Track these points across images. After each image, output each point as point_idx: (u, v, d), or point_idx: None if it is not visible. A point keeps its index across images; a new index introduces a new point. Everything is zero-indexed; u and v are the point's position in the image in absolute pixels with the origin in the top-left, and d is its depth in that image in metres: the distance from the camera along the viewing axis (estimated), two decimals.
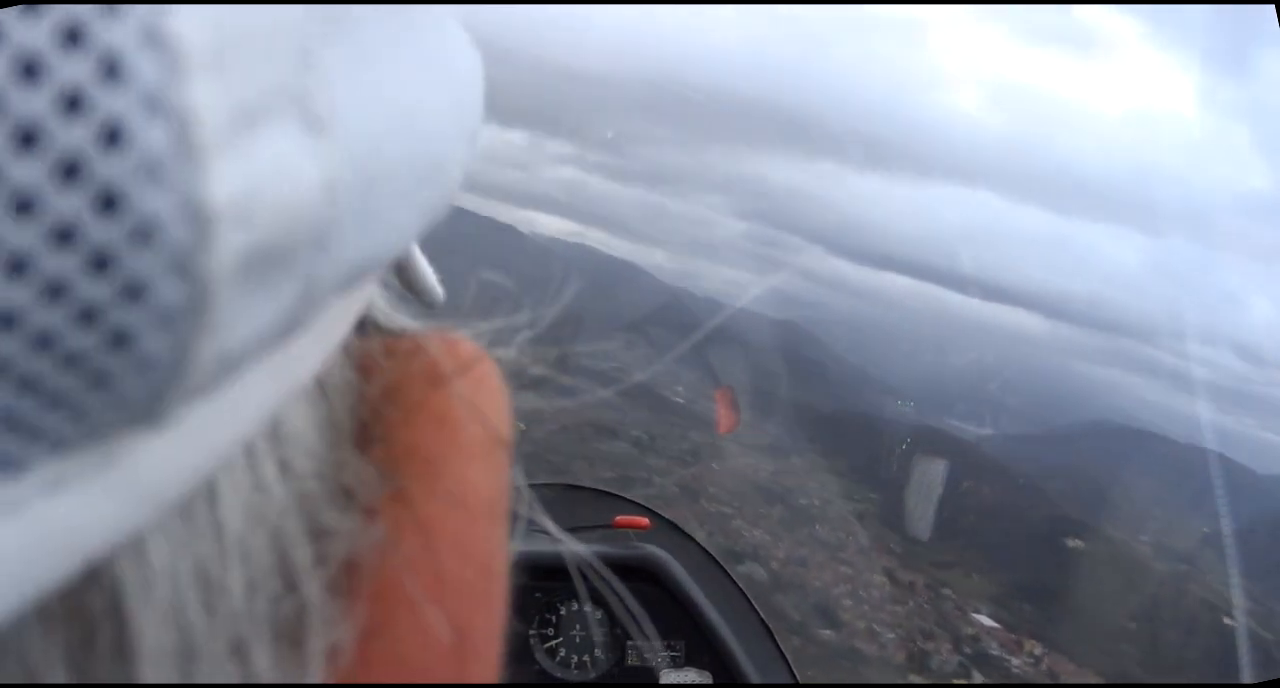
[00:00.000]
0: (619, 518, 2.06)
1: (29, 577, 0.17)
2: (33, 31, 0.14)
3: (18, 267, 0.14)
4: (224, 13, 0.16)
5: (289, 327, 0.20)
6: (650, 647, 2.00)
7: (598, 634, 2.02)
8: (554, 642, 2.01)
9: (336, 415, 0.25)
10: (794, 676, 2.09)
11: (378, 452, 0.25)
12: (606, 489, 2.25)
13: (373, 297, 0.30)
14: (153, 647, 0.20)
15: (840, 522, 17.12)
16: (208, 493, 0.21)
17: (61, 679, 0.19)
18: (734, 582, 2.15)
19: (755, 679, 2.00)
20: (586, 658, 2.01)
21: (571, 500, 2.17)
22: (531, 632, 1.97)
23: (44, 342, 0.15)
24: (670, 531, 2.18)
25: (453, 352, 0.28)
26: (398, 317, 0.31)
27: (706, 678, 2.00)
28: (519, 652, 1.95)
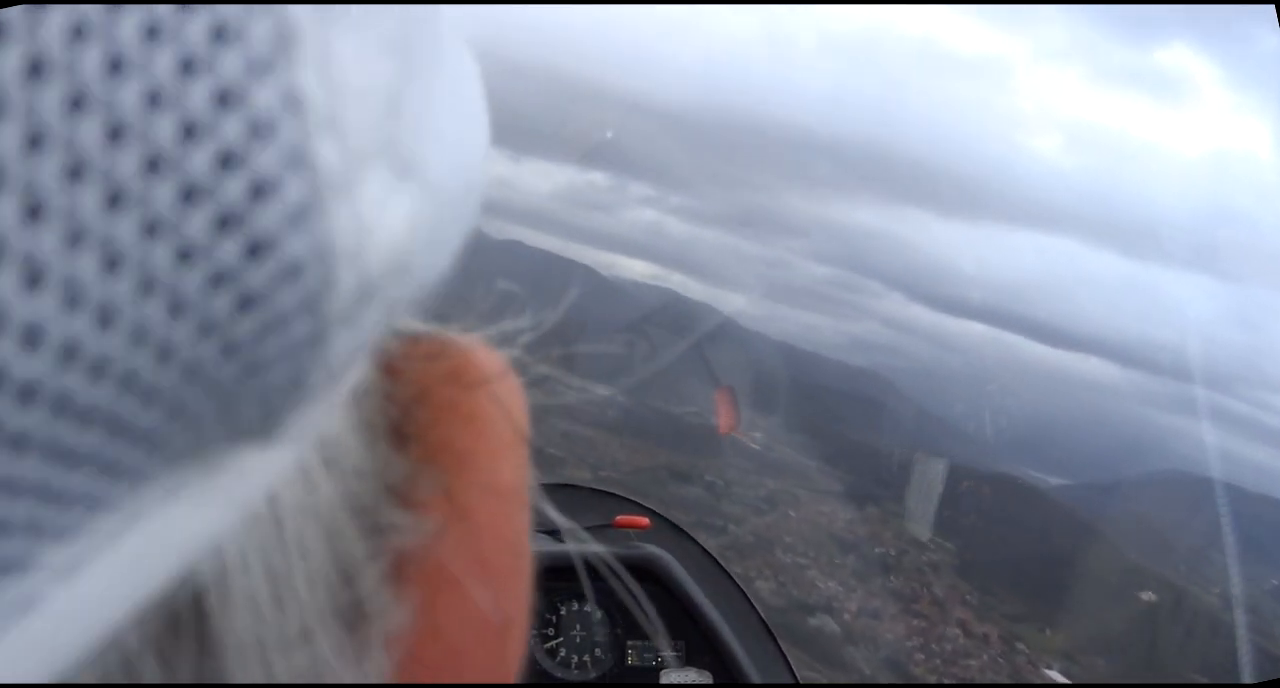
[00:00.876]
0: (619, 518, 2.08)
1: (146, 582, 0.19)
2: (195, 94, 0.15)
3: (177, 308, 0.16)
4: (335, 68, 0.17)
5: (371, 349, 0.22)
6: (660, 643, 2.01)
7: (598, 634, 2.02)
8: (554, 642, 2.02)
9: (369, 416, 0.26)
10: (794, 676, 2.09)
11: (414, 449, 0.26)
12: (606, 489, 2.26)
13: None
14: (232, 638, 0.21)
15: (915, 572, 16.74)
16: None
17: (152, 666, 0.20)
18: (734, 582, 2.15)
19: (756, 679, 2.00)
20: (587, 658, 2.02)
21: (571, 501, 2.19)
22: (531, 632, 1.96)
23: (192, 370, 0.17)
24: (671, 530, 2.19)
25: (475, 355, 0.29)
26: (409, 320, 0.31)
27: (707, 678, 2.01)
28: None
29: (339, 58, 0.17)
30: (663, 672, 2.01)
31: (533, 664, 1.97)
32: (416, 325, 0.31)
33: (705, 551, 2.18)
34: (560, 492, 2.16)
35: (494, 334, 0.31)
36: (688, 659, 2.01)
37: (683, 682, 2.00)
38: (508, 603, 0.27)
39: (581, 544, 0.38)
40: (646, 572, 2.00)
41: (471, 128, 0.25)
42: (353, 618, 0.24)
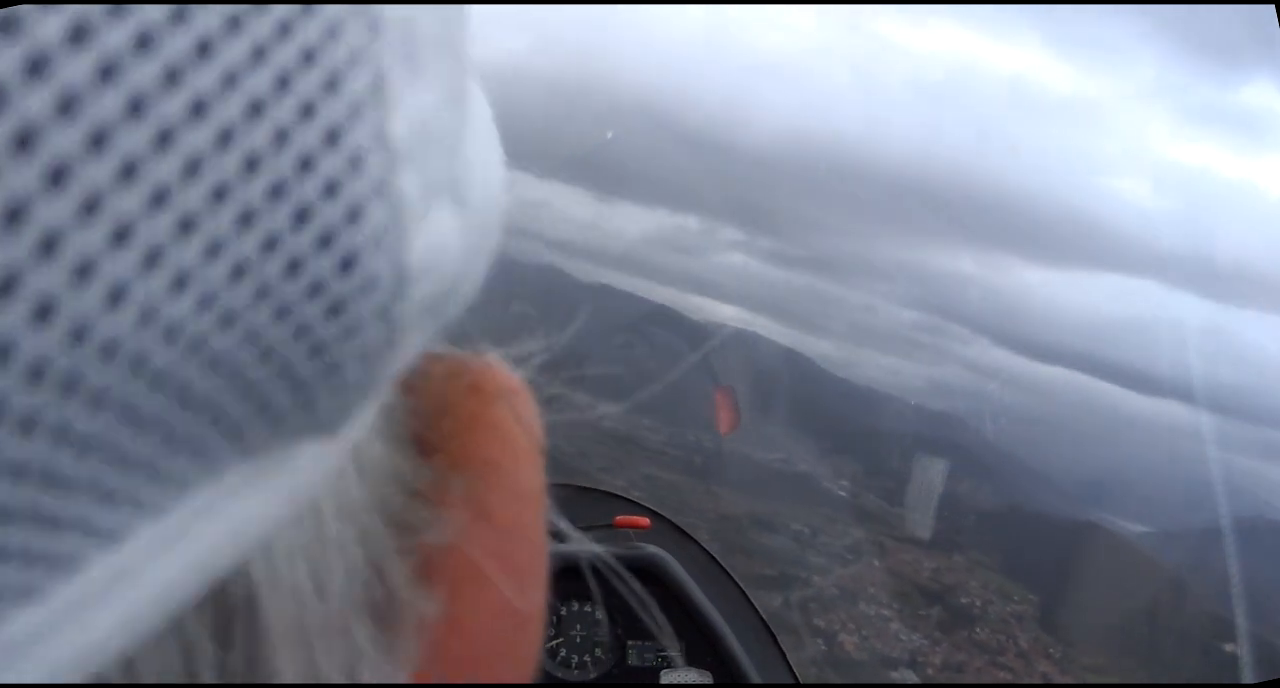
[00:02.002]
0: (619, 518, 2.08)
1: (209, 570, 0.21)
2: (310, 133, 0.18)
3: (282, 312, 0.19)
4: (417, 111, 0.20)
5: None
6: (666, 643, 2.00)
7: (599, 634, 2.02)
8: (554, 642, 2.02)
9: (393, 427, 0.28)
10: (794, 676, 2.08)
11: (440, 458, 0.28)
12: (606, 489, 2.26)
13: None
14: (280, 626, 0.23)
15: (1000, 624, 16.28)
16: None
17: (209, 653, 0.22)
18: (735, 582, 2.14)
19: (756, 680, 1.99)
20: (587, 658, 2.02)
21: (571, 500, 2.18)
22: None
23: (286, 367, 0.20)
24: (671, 530, 2.18)
25: (492, 371, 0.31)
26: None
27: (707, 678, 2.00)
28: None
29: (419, 104, 0.21)
30: (663, 672, 2.00)
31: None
32: (434, 345, 0.32)
33: (706, 551, 2.17)
34: (560, 491, 2.13)
35: (509, 354, 0.33)
36: (688, 660, 2.01)
37: (683, 682, 1.99)
38: (529, 599, 0.29)
39: (583, 545, 0.40)
40: (647, 572, 2.00)
41: (494, 154, 0.28)
42: (386, 611, 0.26)
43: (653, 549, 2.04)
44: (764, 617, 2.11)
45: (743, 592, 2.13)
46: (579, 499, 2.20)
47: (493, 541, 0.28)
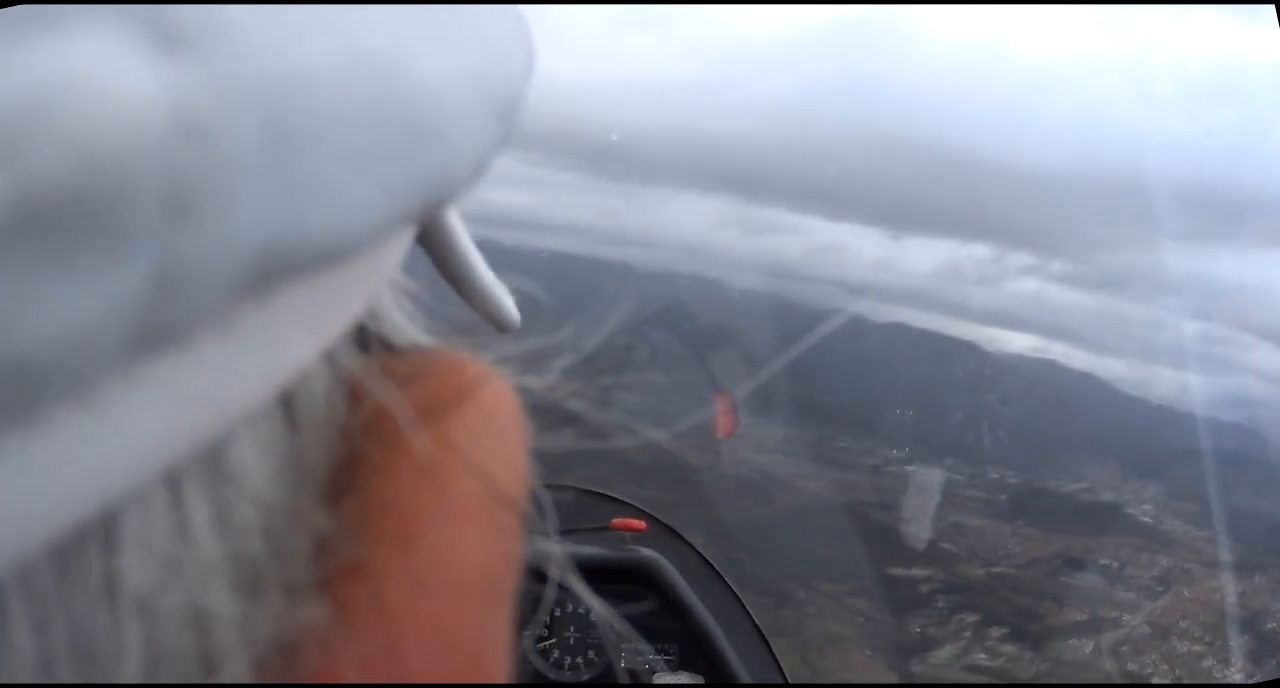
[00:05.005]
0: (615, 521, 2.08)
1: (106, 482, 0.17)
2: None
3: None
4: None
5: (150, 328, 0.16)
6: (640, 648, 2.00)
7: (592, 636, 2.03)
8: (547, 643, 2.03)
9: (306, 451, 0.22)
10: (785, 678, 2.06)
11: (349, 503, 0.21)
12: (601, 491, 2.26)
13: (384, 306, 0.26)
14: (138, 556, 0.18)
15: None
16: (104, 535, 0.18)
17: (50, 592, 0.17)
18: (728, 585, 2.12)
19: (748, 682, 1.98)
20: (580, 660, 2.02)
21: (567, 503, 2.19)
22: (525, 633, 1.99)
23: None
24: (666, 534, 2.18)
25: (458, 375, 0.24)
26: (412, 331, 0.27)
27: (699, 681, 2.00)
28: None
29: None
30: (656, 674, 2.00)
31: (526, 665, 1.99)
32: (415, 336, 0.27)
33: (700, 554, 2.17)
34: (555, 493, 2.14)
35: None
36: (681, 662, 2.01)
37: (675, 684, 1.98)
38: (460, 622, 0.22)
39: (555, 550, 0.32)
40: (641, 575, 2.01)
41: (427, 50, 0.20)
42: (258, 586, 0.20)
43: (648, 552, 2.04)
44: (755, 620, 2.08)
45: (735, 595, 2.11)
46: (574, 501, 2.20)
47: (388, 647, 0.21)
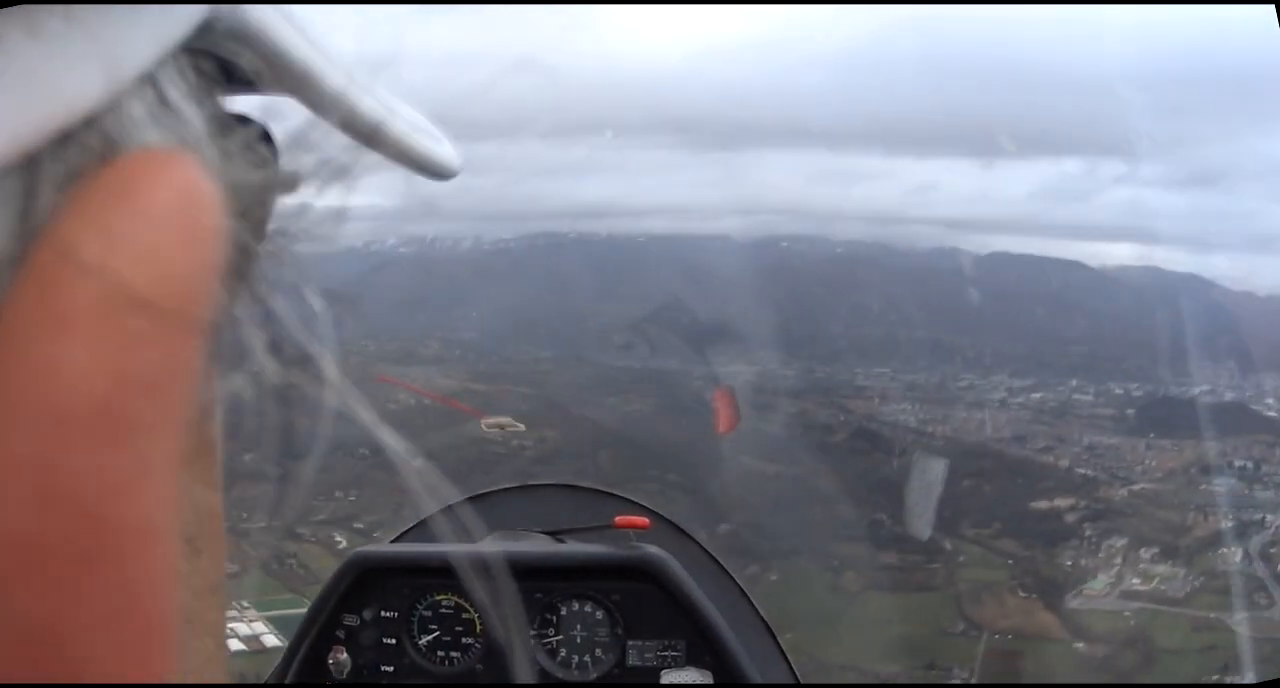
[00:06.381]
0: (619, 518, 2.07)
1: (21, 122, 0.17)
2: None
3: None
4: None
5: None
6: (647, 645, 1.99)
7: (599, 634, 2.02)
8: (554, 641, 2.03)
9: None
10: (794, 674, 2.07)
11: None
12: (606, 489, 2.27)
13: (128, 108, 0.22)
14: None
15: None
16: None
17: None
18: (734, 581, 2.10)
19: (756, 679, 1.98)
20: (587, 658, 2.02)
21: (572, 501, 2.19)
22: (532, 632, 1.99)
23: None
24: (671, 530, 2.18)
25: (136, 165, 0.20)
26: (148, 135, 0.22)
27: (707, 678, 1.99)
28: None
29: None
30: (663, 672, 2.00)
31: (533, 664, 1.98)
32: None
33: (705, 550, 2.17)
34: (560, 492, 2.17)
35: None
36: (688, 659, 2.00)
37: (683, 682, 1.97)
38: (59, 617, 0.18)
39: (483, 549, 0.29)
40: (646, 572, 1.99)
41: None
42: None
43: (653, 549, 2.03)
44: (763, 616, 2.06)
45: (742, 591, 2.11)
46: (579, 500, 2.20)
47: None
